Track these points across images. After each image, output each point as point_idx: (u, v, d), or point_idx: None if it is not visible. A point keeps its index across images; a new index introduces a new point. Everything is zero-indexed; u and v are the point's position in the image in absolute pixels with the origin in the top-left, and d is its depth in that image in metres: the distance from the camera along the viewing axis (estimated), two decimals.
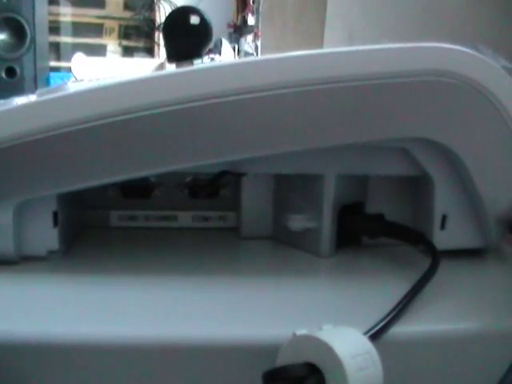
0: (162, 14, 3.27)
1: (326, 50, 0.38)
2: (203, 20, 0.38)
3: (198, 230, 0.50)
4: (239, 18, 3.09)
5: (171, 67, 0.46)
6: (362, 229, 0.44)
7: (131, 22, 3.34)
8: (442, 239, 0.43)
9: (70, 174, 0.38)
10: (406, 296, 0.34)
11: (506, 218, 0.43)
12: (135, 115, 0.36)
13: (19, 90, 2.54)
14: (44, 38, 2.78)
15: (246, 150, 0.38)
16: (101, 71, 2.42)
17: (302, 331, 0.28)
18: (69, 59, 2.65)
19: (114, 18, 3.38)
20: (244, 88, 0.36)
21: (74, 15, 3.28)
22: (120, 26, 3.39)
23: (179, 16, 0.39)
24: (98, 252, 0.45)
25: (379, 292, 0.38)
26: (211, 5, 3.47)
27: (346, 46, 0.96)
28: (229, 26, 3.23)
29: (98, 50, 3.25)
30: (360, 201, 0.45)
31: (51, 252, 0.41)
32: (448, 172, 0.42)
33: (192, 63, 0.41)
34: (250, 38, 2.70)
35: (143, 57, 3.31)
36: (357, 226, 0.44)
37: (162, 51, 3.49)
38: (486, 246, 0.45)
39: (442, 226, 0.43)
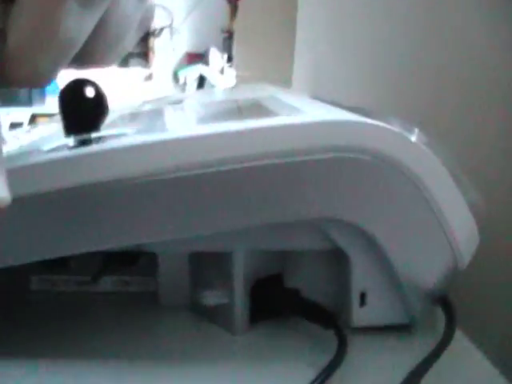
0: (156, 21, 3.26)
1: (227, 128, 0.36)
2: (98, 92, 0.36)
3: (118, 295, 0.48)
4: (233, 24, 3.07)
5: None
6: (274, 307, 0.42)
7: None
8: (362, 316, 0.41)
9: None
10: None
11: (430, 294, 0.40)
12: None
13: (11, 94, 2.56)
14: None
15: (151, 235, 0.37)
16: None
17: None
18: None
19: None
20: (147, 171, 0.34)
21: None
22: None
23: (74, 88, 0.36)
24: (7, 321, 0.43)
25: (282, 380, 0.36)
26: (205, 11, 3.47)
27: (313, 75, 0.94)
28: (223, 31, 3.22)
29: None
30: (278, 273, 0.43)
31: None
32: (364, 249, 0.39)
33: (90, 136, 0.39)
34: None
35: (138, 64, 3.29)
36: (269, 304, 0.42)
37: (157, 57, 3.49)
38: (410, 322, 0.42)
39: (362, 303, 0.41)
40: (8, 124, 2.16)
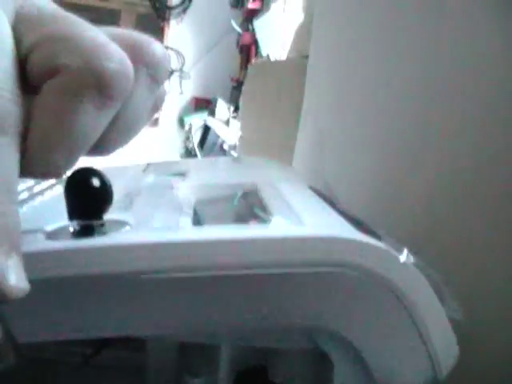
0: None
1: (221, 236, 0.37)
2: (103, 183, 0.38)
3: (107, 369, 0.49)
4: (242, 73, 3.12)
5: None
6: None
7: None
8: None
9: None
10: None
11: None
12: None
13: None
14: None
15: (145, 329, 0.38)
16: None
17: None
18: None
19: None
20: (144, 269, 0.36)
21: None
22: None
23: (79, 178, 0.38)
24: None
25: None
26: (216, 58, 3.53)
27: (316, 143, 0.96)
28: (232, 79, 3.26)
29: None
30: (262, 365, 0.44)
31: None
32: (347, 354, 0.40)
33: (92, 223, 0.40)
34: None
35: None
36: None
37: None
38: None
39: None
40: None
